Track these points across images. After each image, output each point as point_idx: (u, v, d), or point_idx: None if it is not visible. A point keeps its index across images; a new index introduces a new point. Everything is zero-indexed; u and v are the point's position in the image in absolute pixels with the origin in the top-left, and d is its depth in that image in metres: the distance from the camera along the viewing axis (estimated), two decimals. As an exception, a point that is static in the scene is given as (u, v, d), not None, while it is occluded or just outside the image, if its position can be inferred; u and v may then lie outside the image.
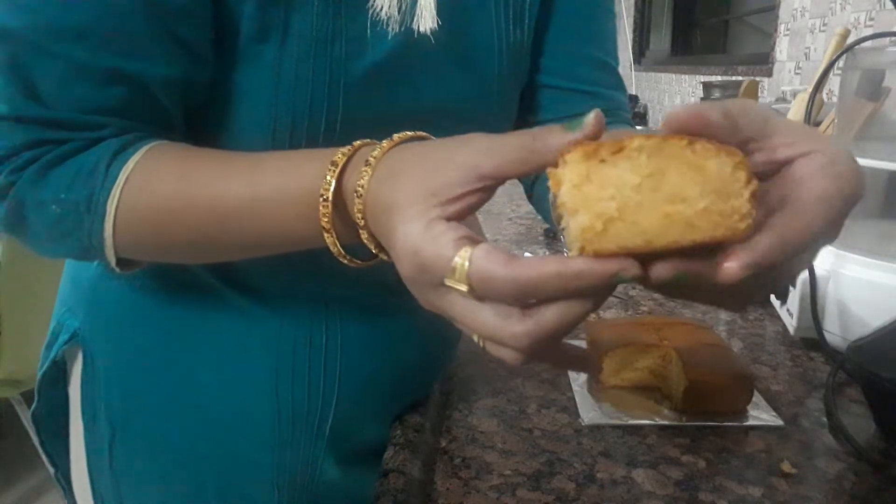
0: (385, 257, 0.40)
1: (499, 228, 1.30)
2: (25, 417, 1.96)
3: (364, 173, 0.38)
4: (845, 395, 0.67)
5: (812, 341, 0.75)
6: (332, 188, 0.40)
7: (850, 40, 0.84)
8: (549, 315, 0.32)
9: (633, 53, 3.41)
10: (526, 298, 0.32)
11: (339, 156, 0.40)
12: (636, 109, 2.90)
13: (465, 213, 0.35)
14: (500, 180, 0.35)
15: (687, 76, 2.55)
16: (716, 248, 0.31)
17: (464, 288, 0.33)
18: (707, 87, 1.98)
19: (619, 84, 0.67)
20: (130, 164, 0.44)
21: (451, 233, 0.33)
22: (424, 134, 0.42)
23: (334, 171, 0.40)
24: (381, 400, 0.62)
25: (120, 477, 0.59)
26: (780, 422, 0.61)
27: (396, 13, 0.48)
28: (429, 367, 0.66)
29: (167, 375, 0.56)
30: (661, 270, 0.31)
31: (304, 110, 0.48)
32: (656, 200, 0.29)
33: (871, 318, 0.64)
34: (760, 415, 0.61)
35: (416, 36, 0.50)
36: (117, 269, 0.47)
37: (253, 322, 0.55)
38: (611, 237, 0.30)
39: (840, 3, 1.48)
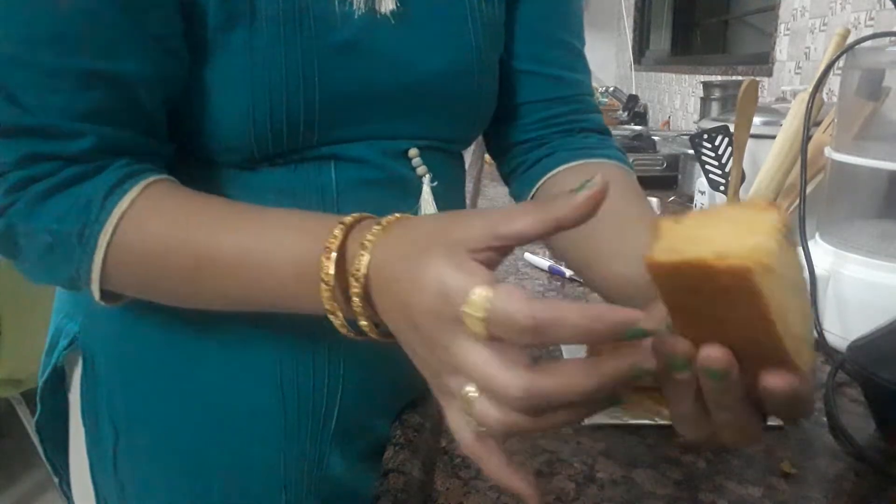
0: (383, 338, 0.40)
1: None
2: (25, 417, 1.96)
3: (362, 257, 0.38)
4: (845, 395, 0.67)
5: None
6: (333, 272, 0.39)
7: (850, 40, 0.84)
8: (550, 378, 0.32)
9: (633, 53, 3.41)
10: (542, 334, 0.32)
11: (332, 239, 0.39)
12: (636, 109, 2.89)
13: (486, 267, 0.35)
14: (513, 242, 0.35)
15: (687, 76, 2.55)
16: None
17: (481, 315, 0.32)
18: (707, 86, 1.98)
19: (584, 67, 0.67)
20: (126, 200, 0.43)
21: (481, 269, 0.34)
22: (413, 215, 0.41)
23: (329, 256, 0.39)
24: (387, 393, 0.61)
25: (125, 481, 0.59)
26: (779, 422, 0.60)
27: None
28: None
29: (169, 375, 0.56)
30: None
31: (281, 93, 0.48)
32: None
33: (871, 318, 0.64)
34: (760, 415, 0.61)
35: (378, 16, 0.50)
36: (101, 302, 0.47)
37: (255, 315, 0.55)
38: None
39: (840, 3, 1.48)
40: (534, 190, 0.63)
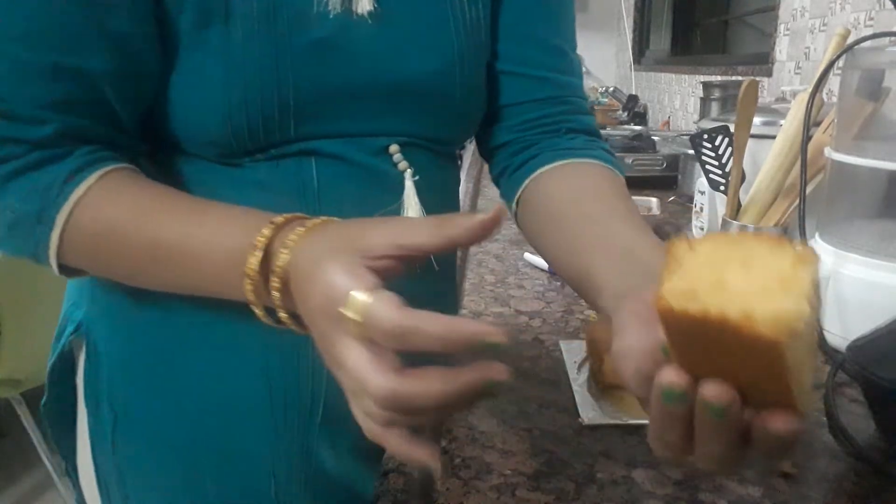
0: (302, 330, 0.42)
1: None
2: (25, 417, 1.96)
3: (283, 254, 0.41)
4: (845, 395, 0.67)
5: (812, 341, 0.75)
6: (256, 267, 0.42)
7: (850, 40, 0.84)
8: (414, 383, 0.35)
9: (633, 53, 3.41)
10: (405, 341, 0.34)
11: (260, 237, 0.42)
12: (636, 109, 2.89)
13: (383, 274, 0.38)
14: (414, 252, 0.38)
15: (687, 76, 2.55)
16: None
17: (357, 318, 0.35)
18: (707, 86, 1.98)
19: (571, 69, 0.66)
20: (83, 186, 0.46)
21: (369, 276, 0.37)
22: (337, 219, 0.44)
23: (254, 253, 0.42)
24: None
25: (123, 464, 0.60)
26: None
27: None
28: (417, 355, 0.66)
29: (163, 361, 0.57)
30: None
31: (255, 89, 0.49)
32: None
33: (871, 318, 0.64)
34: (760, 415, 0.61)
35: (354, 17, 0.51)
36: (62, 275, 0.50)
37: (244, 307, 0.56)
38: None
39: (840, 3, 1.48)
40: (519, 191, 0.62)
